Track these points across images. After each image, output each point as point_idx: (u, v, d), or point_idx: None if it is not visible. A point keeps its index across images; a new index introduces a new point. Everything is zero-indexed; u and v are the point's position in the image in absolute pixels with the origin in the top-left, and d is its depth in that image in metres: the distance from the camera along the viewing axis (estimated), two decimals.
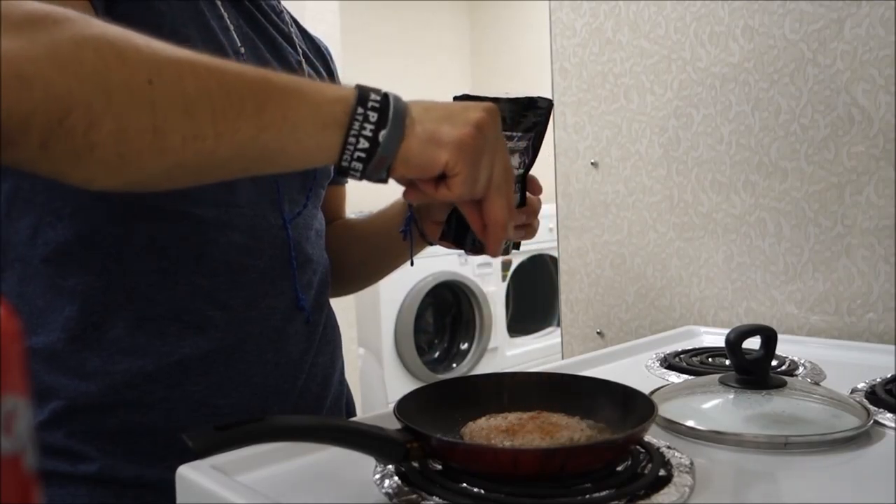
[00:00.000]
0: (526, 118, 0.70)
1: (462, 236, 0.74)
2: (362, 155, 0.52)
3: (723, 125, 1.13)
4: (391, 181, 0.56)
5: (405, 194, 0.59)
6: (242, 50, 0.73)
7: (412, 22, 4.02)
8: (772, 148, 1.07)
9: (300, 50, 0.83)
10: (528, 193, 0.75)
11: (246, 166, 0.54)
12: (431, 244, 0.82)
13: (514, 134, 0.69)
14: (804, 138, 1.04)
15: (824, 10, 1.00)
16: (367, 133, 0.52)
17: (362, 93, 0.52)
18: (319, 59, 0.90)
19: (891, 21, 0.95)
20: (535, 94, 0.71)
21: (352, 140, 0.52)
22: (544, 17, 1.39)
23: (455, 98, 0.70)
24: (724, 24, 1.11)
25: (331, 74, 0.92)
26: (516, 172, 0.72)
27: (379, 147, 0.52)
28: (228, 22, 0.73)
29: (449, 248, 0.77)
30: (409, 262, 0.86)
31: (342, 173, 0.53)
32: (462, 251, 0.74)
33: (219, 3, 0.73)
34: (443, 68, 4.16)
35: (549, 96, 1.35)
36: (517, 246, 0.77)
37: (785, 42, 1.05)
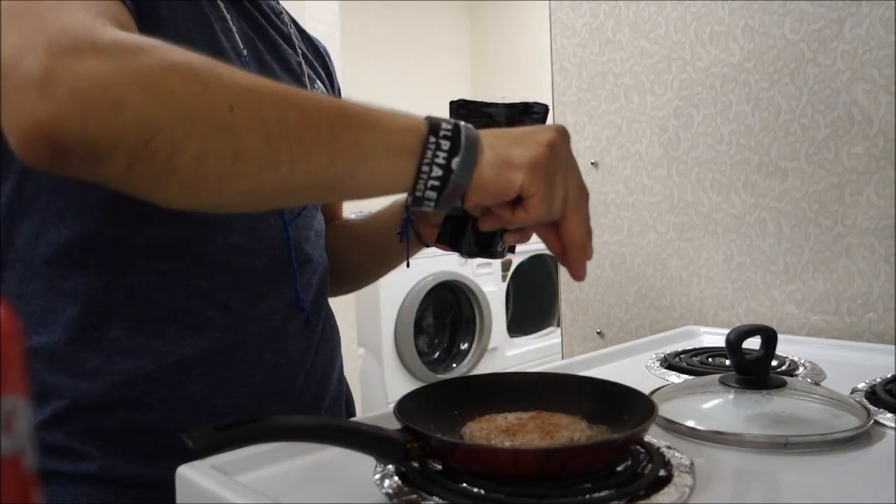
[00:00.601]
0: (522, 123, 0.70)
1: (458, 239, 0.74)
2: (436, 183, 0.52)
3: (723, 125, 1.13)
4: None
5: (482, 223, 0.59)
6: (245, 52, 0.73)
7: (412, 22, 4.02)
8: (772, 148, 1.07)
9: (300, 51, 0.83)
10: None
11: (318, 194, 0.56)
12: (428, 246, 0.82)
13: None
14: (804, 138, 1.04)
15: (824, 10, 1.00)
16: (441, 161, 0.52)
17: (433, 122, 0.53)
18: (318, 60, 0.90)
19: (891, 21, 0.95)
20: (531, 99, 0.71)
21: (425, 168, 0.52)
22: (544, 17, 1.39)
23: (451, 103, 0.70)
24: (724, 24, 1.11)
25: (329, 75, 0.92)
26: None
27: (452, 174, 0.52)
28: (231, 24, 0.73)
29: (445, 250, 0.77)
30: (405, 264, 0.86)
31: (416, 203, 0.53)
32: (458, 254, 0.74)
33: (221, 5, 0.73)
34: (443, 68, 4.16)
35: (548, 98, 1.35)
36: (512, 249, 0.78)
37: (785, 42, 1.05)
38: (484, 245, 0.71)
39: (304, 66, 0.83)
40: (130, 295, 0.67)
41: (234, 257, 0.71)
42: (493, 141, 0.54)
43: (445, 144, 0.52)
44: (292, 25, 0.86)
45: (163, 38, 0.56)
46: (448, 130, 0.52)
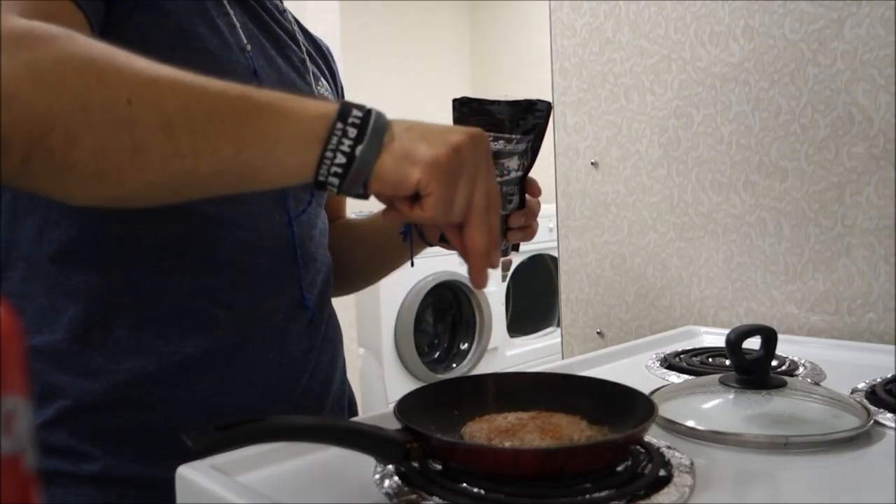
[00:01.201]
0: (525, 120, 0.70)
1: None
2: (338, 170, 0.52)
3: (723, 125, 1.13)
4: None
5: (384, 213, 0.58)
6: (248, 47, 0.73)
7: (412, 22, 4.02)
8: (772, 148, 1.07)
9: (303, 48, 0.83)
10: (527, 195, 0.75)
11: (226, 183, 0.54)
12: (431, 245, 0.82)
13: (513, 136, 0.69)
14: (804, 138, 1.04)
15: (824, 10, 1.00)
16: (345, 148, 0.51)
17: (344, 109, 0.52)
18: (321, 59, 0.90)
19: (891, 21, 0.95)
20: (534, 97, 0.71)
21: (328, 155, 0.51)
22: (544, 17, 1.39)
23: (454, 101, 0.70)
24: (724, 24, 1.11)
25: (332, 74, 0.92)
26: (515, 175, 0.72)
27: (355, 161, 0.51)
28: (235, 19, 0.73)
29: (448, 249, 0.77)
30: (409, 263, 0.86)
31: (319, 187, 0.53)
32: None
33: (225, 2, 0.73)
34: (443, 68, 4.16)
35: (548, 97, 1.35)
36: (516, 248, 0.77)
37: (785, 42, 1.05)
38: None
39: (308, 64, 0.83)
40: (134, 293, 0.67)
41: (239, 255, 0.71)
42: (402, 133, 0.53)
43: (352, 132, 0.51)
44: (295, 24, 0.86)
45: (166, 33, 0.56)
46: (357, 118, 0.52)
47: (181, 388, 0.68)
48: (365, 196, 0.54)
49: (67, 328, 0.66)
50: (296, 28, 0.85)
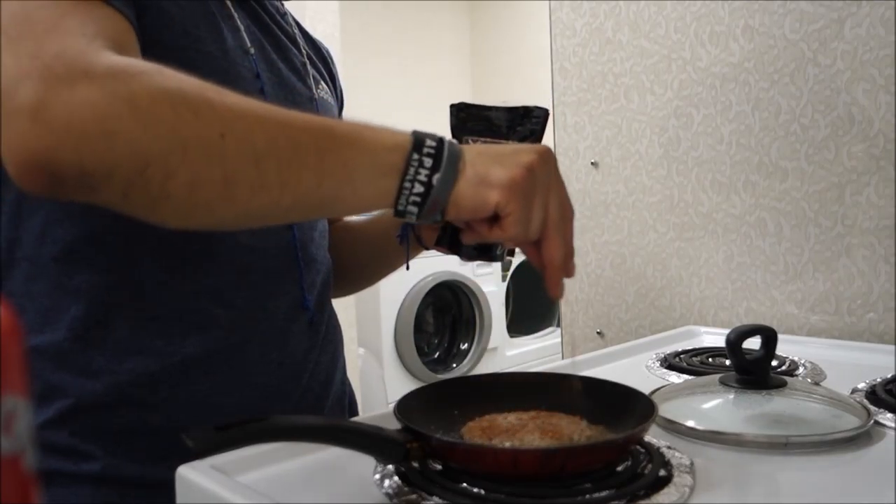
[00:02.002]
0: (522, 126, 0.70)
1: (457, 242, 0.74)
2: (417, 199, 0.54)
3: (723, 125, 1.13)
4: None
5: (463, 236, 0.60)
6: (252, 50, 0.73)
7: (412, 22, 4.02)
8: (772, 148, 1.07)
9: (304, 52, 0.84)
10: None
11: (308, 213, 0.57)
12: (428, 248, 0.82)
13: (510, 142, 0.70)
14: (804, 138, 1.04)
15: (824, 10, 1.00)
16: (422, 178, 0.53)
17: (418, 139, 0.54)
18: (321, 62, 0.90)
19: (891, 21, 0.95)
20: (531, 103, 0.71)
21: (407, 185, 0.53)
22: (544, 17, 1.39)
23: (451, 106, 0.70)
24: (724, 24, 1.11)
25: (332, 78, 0.92)
26: None
27: (433, 190, 0.53)
28: (238, 22, 0.73)
29: (444, 253, 0.77)
30: (405, 266, 0.87)
31: (399, 216, 0.55)
32: (458, 256, 0.74)
33: (228, 4, 0.73)
34: (443, 68, 4.16)
35: (548, 97, 1.35)
36: (511, 252, 0.78)
37: (785, 42, 1.05)
38: (483, 248, 0.71)
39: (309, 67, 0.83)
40: (135, 293, 0.67)
41: (241, 256, 0.71)
42: (475, 158, 0.55)
43: (428, 162, 0.53)
44: (296, 27, 0.86)
45: (172, 36, 0.56)
46: (431, 148, 0.54)
47: (182, 388, 0.68)
48: (441, 222, 0.57)
49: (69, 328, 0.66)
50: (297, 31, 0.85)
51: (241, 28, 0.73)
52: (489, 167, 0.55)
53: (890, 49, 0.95)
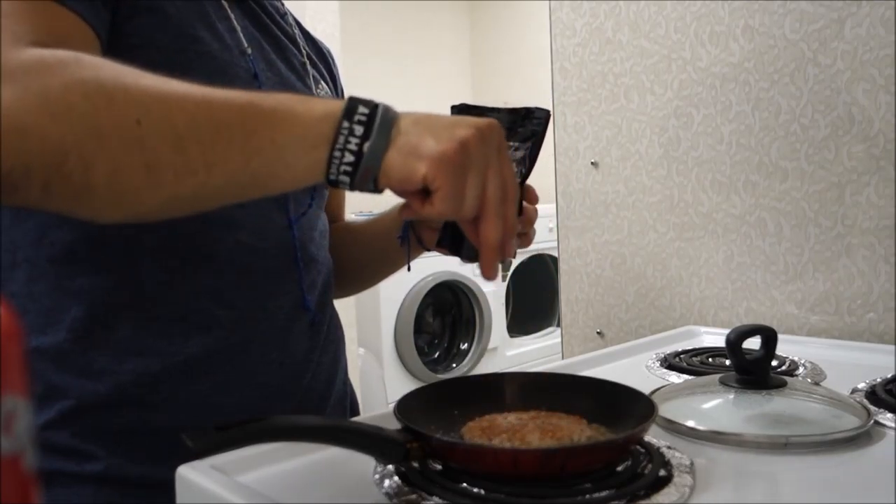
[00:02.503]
0: (524, 128, 0.70)
1: (458, 244, 0.74)
2: (348, 168, 0.52)
3: (723, 125, 1.13)
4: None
5: (400, 210, 0.58)
6: (249, 50, 0.73)
7: (412, 22, 4.02)
8: (772, 148, 1.07)
9: (304, 51, 0.84)
10: (524, 203, 0.75)
11: (239, 193, 0.55)
12: (429, 250, 0.82)
13: (512, 144, 0.70)
14: (804, 138, 1.04)
15: (824, 10, 1.00)
16: (352, 147, 0.51)
17: (350, 106, 0.52)
18: (322, 62, 0.90)
19: (891, 21, 0.95)
20: (532, 104, 0.71)
21: (337, 154, 0.51)
22: (544, 17, 1.39)
23: (452, 107, 0.70)
24: (724, 23, 1.11)
25: (332, 77, 0.92)
26: None
27: (363, 159, 0.51)
28: (235, 23, 0.73)
29: (445, 254, 0.78)
30: (406, 267, 0.87)
31: (333, 185, 0.53)
32: (459, 258, 0.75)
33: (225, 4, 0.73)
34: (443, 68, 4.16)
35: (548, 97, 1.35)
36: (513, 254, 0.78)
37: (785, 42, 1.05)
38: None
39: (309, 67, 0.83)
40: (136, 294, 0.67)
41: (241, 256, 0.71)
42: (409, 127, 0.53)
43: (358, 130, 0.51)
44: (296, 27, 0.86)
45: (167, 36, 0.55)
46: (363, 115, 0.52)
47: (184, 389, 0.68)
48: (378, 190, 0.54)
49: (69, 329, 0.66)
50: (297, 31, 0.85)
51: (238, 28, 0.73)
52: (422, 138, 0.52)
53: (890, 49, 0.95)
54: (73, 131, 0.47)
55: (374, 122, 0.52)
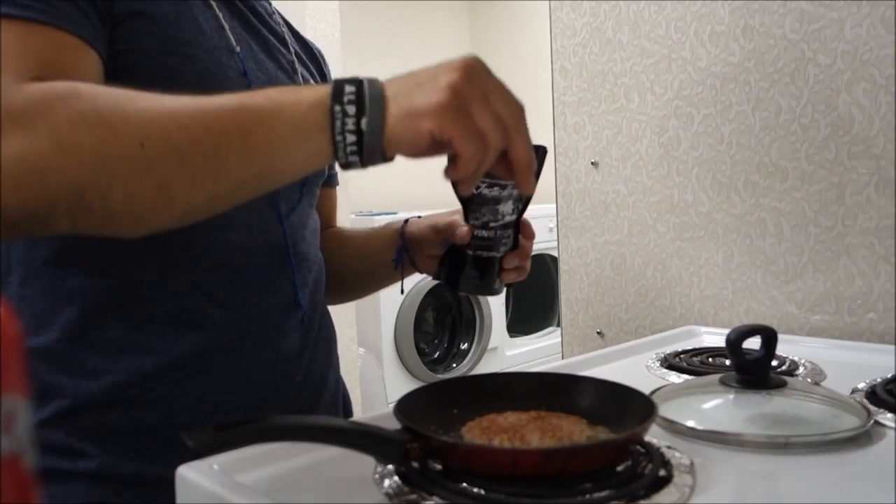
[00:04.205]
0: None
1: (456, 277, 0.75)
2: (354, 148, 0.53)
3: (723, 125, 1.13)
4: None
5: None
6: (238, 49, 0.73)
7: (412, 22, 4.02)
8: (772, 148, 1.07)
9: (293, 50, 0.84)
10: (521, 238, 0.78)
11: (250, 191, 0.57)
12: (422, 273, 0.83)
13: (509, 182, 0.71)
14: (804, 138, 1.04)
15: (824, 10, 1.00)
16: (351, 127, 0.52)
17: (337, 88, 0.53)
18: (312, 62, 0.90)
19: (891, 21, 0.95)
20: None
21: (339, 139, 0.52)
22: (544, 17, 1.39)
23: None
24: (724, 23, 1.11)
25: (323, 77, 0.92)
26: (510, 218, 0.75)
27: (364, 136, 0.52)
28: (223, 22, 0.73)
29: (437, 280, 0.80)
30: (399, 290, 0.88)
31: (345, 168, 0.54)
32: (457, 291, 0.76)
33: (213, 4, 0.73)
34: None
35: (548, 97, 1.35)
36: (510, 285, 0.80)
37: (785, 42, 1.05)
38: (482, 283, 0.73)
39: (298, 66, 0.83)
40: (129, 294, 0.67)
41: (233, 255, 0.71)
42: (396, 92, 0.53)
43: (351, 109, 0.52)
44: (285, 26, 0.86)
45: (155, 41, 0.60)
46: (352, 94, 0.52)
47: (178, 387, 0.68)
48: (390, 159, 0.55)
49: (62, 329, 0.67)
50: (285, 30, 0.85)
51: (227, 27, 0.73)
52: (411, 97, 0.52)
53: (890, 49, 0.95)
54: (86, 167, 0.50)
55: (364, 97, 0.52)
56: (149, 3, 0.66)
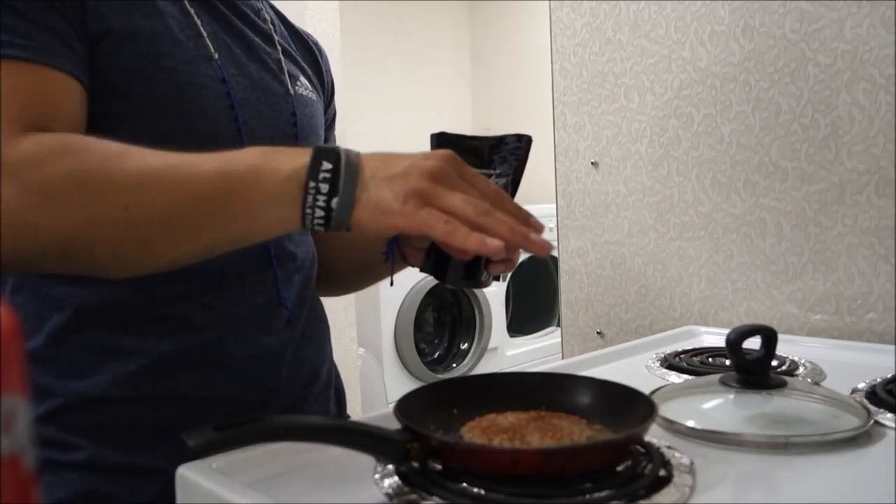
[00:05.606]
0: (504, 155, 0.71)
1: (443, 269, 0.75)
2: (321, 222, 0.56)
3: (723, 125, 1.13)
4: None
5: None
6: (216, 56, 0.73)
7: (412, 22, 4.02)
8: (772, 148, 1.07)
9: (279, 48, 0.83)
10: None
11: (225, 248, 0.61)
12: (413, 266, 0.83)
13: (493, 171, 0.70)
14: (804, 138, 1.04)
15: (824, 10, 1.00)
16: (321, 204, 0.55)
17: (314, 164, 0.55)
18: (307, 56, 0.90)
19: (891, 21, 0.95)
20: (513, 132, 0.72)
21: (308, 211, 0.56)
22: (544, 17, 1.39)
23: (433, 135, 0.71)
24: (724, 23, 1.11)
25: (319, 70, 0.92)
26: None
27: (333, 214, 0.55)
28: (202, 28, 0.73)
29: (428, 274, 0.79)
30: (389, 282, 0.87)
31: (310, 229, 0.58)
32: (443, 283, 0.75)
33: (191, 10, 0.73)
34: (443, 68, 4.15)
35: (548, 97, 1.35)
36: (497, 278, 0.79)
37: (785, 42, 1.05)
38: (469, 275, 0.72)
39: (285, 64, 0.83)
40: (111, 302, 0.70)
41: (213, 259, 0.71)
42: (370, 181, 0.56)
43: (324, 188, 0.55)
44: (273, 22, 0.86)
45: (128, 57, 0.64)
46: (328, 171, 0.55)
47: (164, 385, 0.70)
48: (351, 230, 0.58)
49: (49, 334, 0.69)
50: (272, 27, 0.85)
51: (205, 34, 0.73)
52: (381, 190, 0.55)
53: (890, 49, 0.95)
54: (73, 223, 0.55)
55: (339, 178, 0.55)
56: (120, 20, 0.66)
